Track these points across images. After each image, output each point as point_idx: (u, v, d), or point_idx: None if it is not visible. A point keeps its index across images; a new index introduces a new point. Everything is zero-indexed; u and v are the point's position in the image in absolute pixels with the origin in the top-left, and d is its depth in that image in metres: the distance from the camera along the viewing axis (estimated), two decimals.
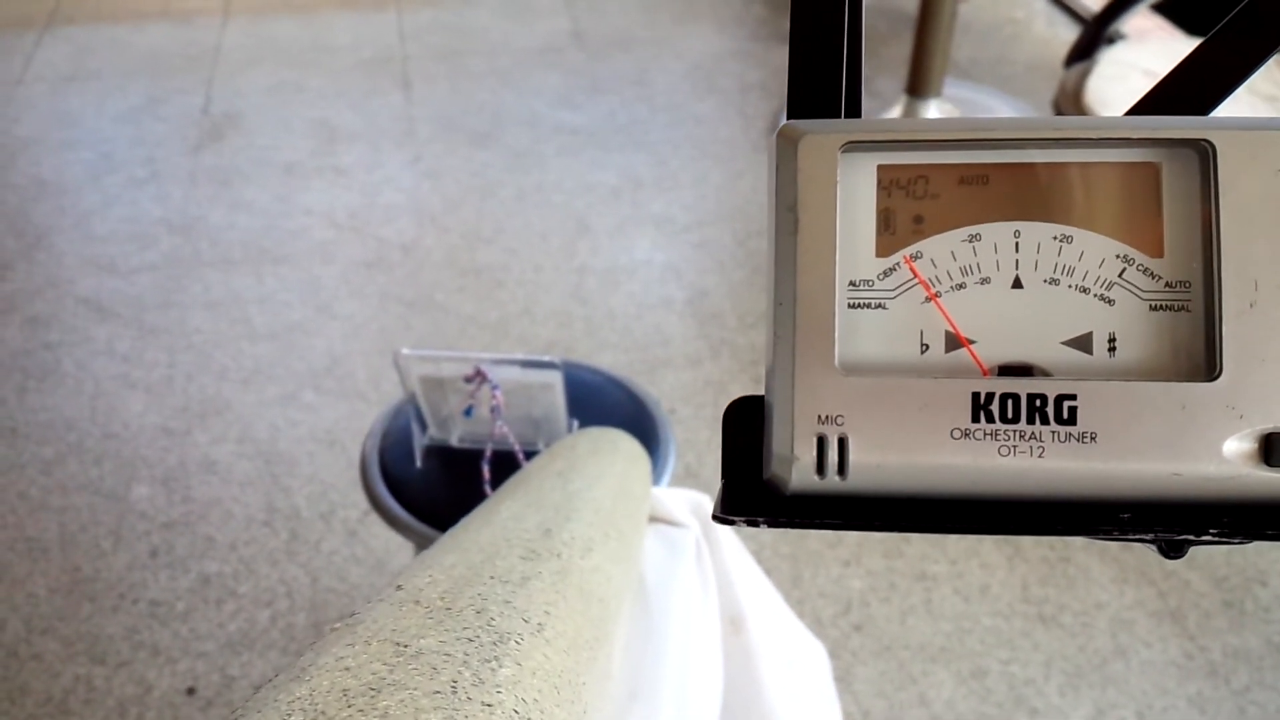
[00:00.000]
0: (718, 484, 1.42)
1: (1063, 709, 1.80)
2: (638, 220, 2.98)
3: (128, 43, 4.03)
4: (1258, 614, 1.93)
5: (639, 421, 1.48)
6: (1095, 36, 2.60)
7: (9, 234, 2.96)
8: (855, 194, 0.39)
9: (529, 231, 2.94)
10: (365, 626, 0.57)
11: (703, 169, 3.22)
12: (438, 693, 0.51)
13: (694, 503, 1.07)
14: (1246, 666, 1.85)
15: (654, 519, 1.01)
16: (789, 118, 0.40)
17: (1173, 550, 0.37)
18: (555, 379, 1.37)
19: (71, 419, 2.35)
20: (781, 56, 3.80)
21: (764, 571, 1.17)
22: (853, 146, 0.39)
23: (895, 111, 3.35)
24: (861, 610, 1.94)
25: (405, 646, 0.55)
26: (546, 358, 1.37)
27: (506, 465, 1.38)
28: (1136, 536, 0.36)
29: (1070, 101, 2.39)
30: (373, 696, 0.50)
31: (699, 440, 2.26)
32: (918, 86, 3.30)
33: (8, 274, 2.80)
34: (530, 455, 1.38)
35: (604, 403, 1.52)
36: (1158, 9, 3.68)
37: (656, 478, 1.39)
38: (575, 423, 1.43)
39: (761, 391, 0.40)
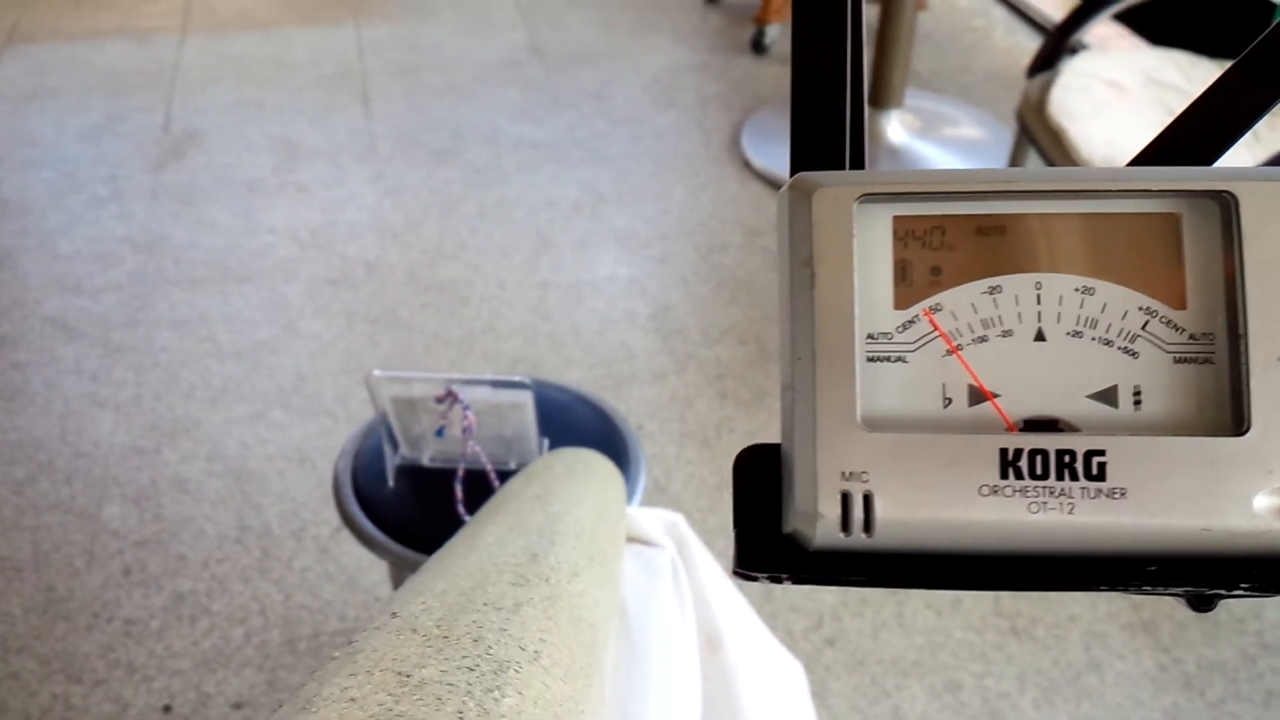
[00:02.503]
0: (687, 500, 1.46)
1: None
2: (600, 235, 3.01)
3: (87, 61, 4.03)
4: (1232, 625, 1.96)
5: (609, 439, 1.50)
6: (1058, 47, 2.63)
7: None
8: (871, 246, 0.39)
9: (491, 247, 2.96)
10: (366, 656, 0.57)
11: (664, 183, 3.24)
12: None
13: (668, 522, 1.08)
14: (1221, 678, 1.87)
15: (630, 539, 1.01)
16: (793, 169, 0.40)
17: (1202, 604, 0.37)
18: (526, 399, 1.39)
19: (41, 438, 2.36)
20: (739, 68, 3.84)
21: (737, 586, 1.19)
22: (868, 198, 0.38)
23: None
24: (834, 624, 1.97)
25: (408, 676, 0.55)
26: (517, 377, 1.38)
27: (479, 485, 1.40)
28: (1167, 591, 0.36)
29: (1034, 112, 2.42)
30: None
31: (667, 455, 2.28)
32: (879, 97, 3.34)
33: None
34: (502, 474, 1.40)
35: (574, 421, 1.54)
36: (1119, 18, 3.73)
37: (628, 496, 1.40)
38: (546, 441, 1.45)
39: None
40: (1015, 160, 2.68)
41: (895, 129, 3.38)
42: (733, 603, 1.14)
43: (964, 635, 1.95)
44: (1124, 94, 2.37)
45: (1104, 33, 3.71)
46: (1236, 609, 1.98)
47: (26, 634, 1.96)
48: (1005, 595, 1.99)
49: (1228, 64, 0.41)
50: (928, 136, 3.44)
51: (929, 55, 4.00)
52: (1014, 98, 2.66)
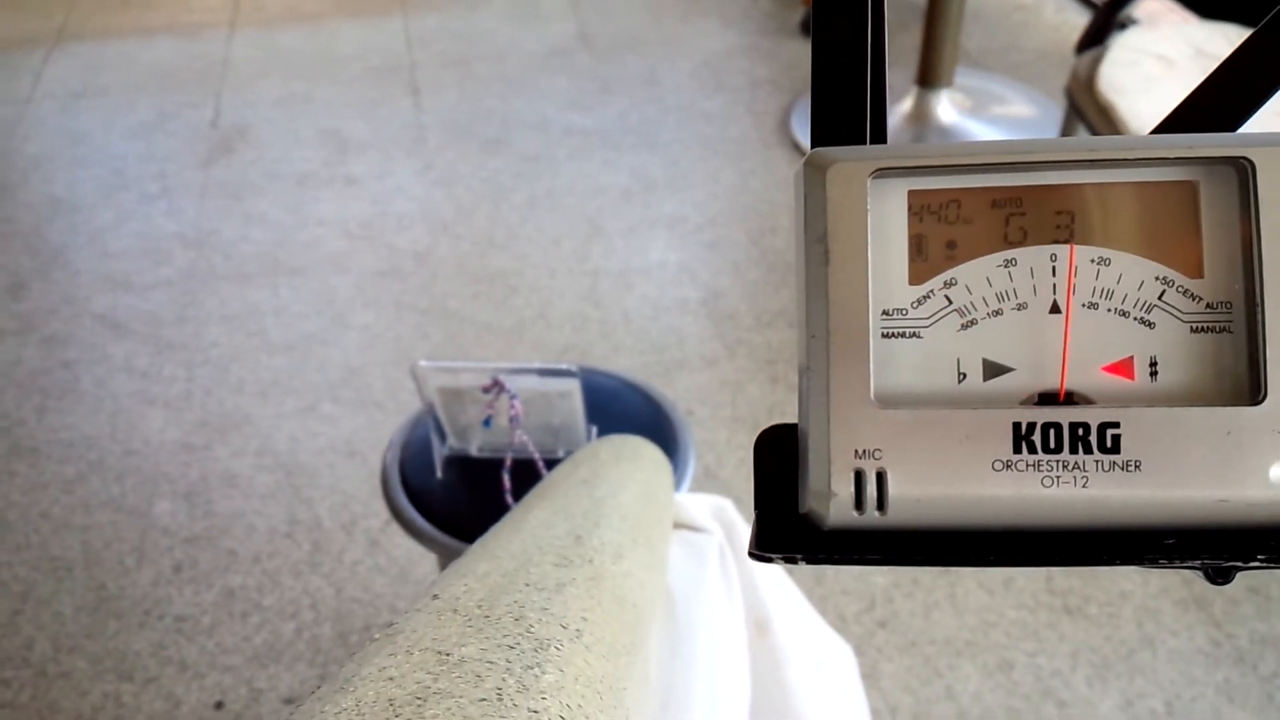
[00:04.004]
0: (738, 485, 1.43)
1: (1090, 700, 1.80)
2: (650, 221, 2.99)
3: (135, 58, 4.04)
4: None
5: (657, 426, 1.49)
6: (1106, 22, 2.60)
7: (24, 253, 2.97)
8: (886, 221, 0.38)
9: (541, 236, 2.95)
10: (405, 636, 0.57)
11: (714, 168, 3.22)
12: (483, 700, 0.51)
13: (716, 507, 1.07)
14: (1274, 653, 1.85)
15: (677, 525, 1.01)
16: (813, 146, 0.40)
17: (1219, 576, 0.36)
18: (573, 387, 1.37)
19: (92, 437, 2.36)
20: (789, 51, 3.82)
21: (786, 571, 1.17)
22: (883, 173, 0.38)
23: (907, 103, 3.36)
24: (885, 606, 1.94)
25: (447, 655, 0.55)
26: (564, 366, 1.37)
27: (526, 474, 1.39)
28: (1183, 564, 0.36)
29: (1083, 89, 2.39)
30: (419, 706, 0.50)
31: (718, 441, 2.26)
32: (928, 77, 3.30)
33: (24, 293, 2.81)
34: (550, 463, 1.38)
35: (622, 408, 1.52)
36: None
37: (677, 483, 1.39)
38: (594, 429, 1.44)
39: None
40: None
41: (945, 108, 3.34)
42: (782, 587, 1.14)
43: (1016, 614, 1.92)
44: (1173, 68, 2.33)
45: (1153, 7, 3.66)
46: None
47: (78, 633, 1.96)
48: (1058, 573, 1.98)
49: (1218, 65, 0.39)
50: (978, 115, 3.40)
51: (978, 34, 3.96)
52: (1064, 75, 2.62)
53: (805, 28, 3.99)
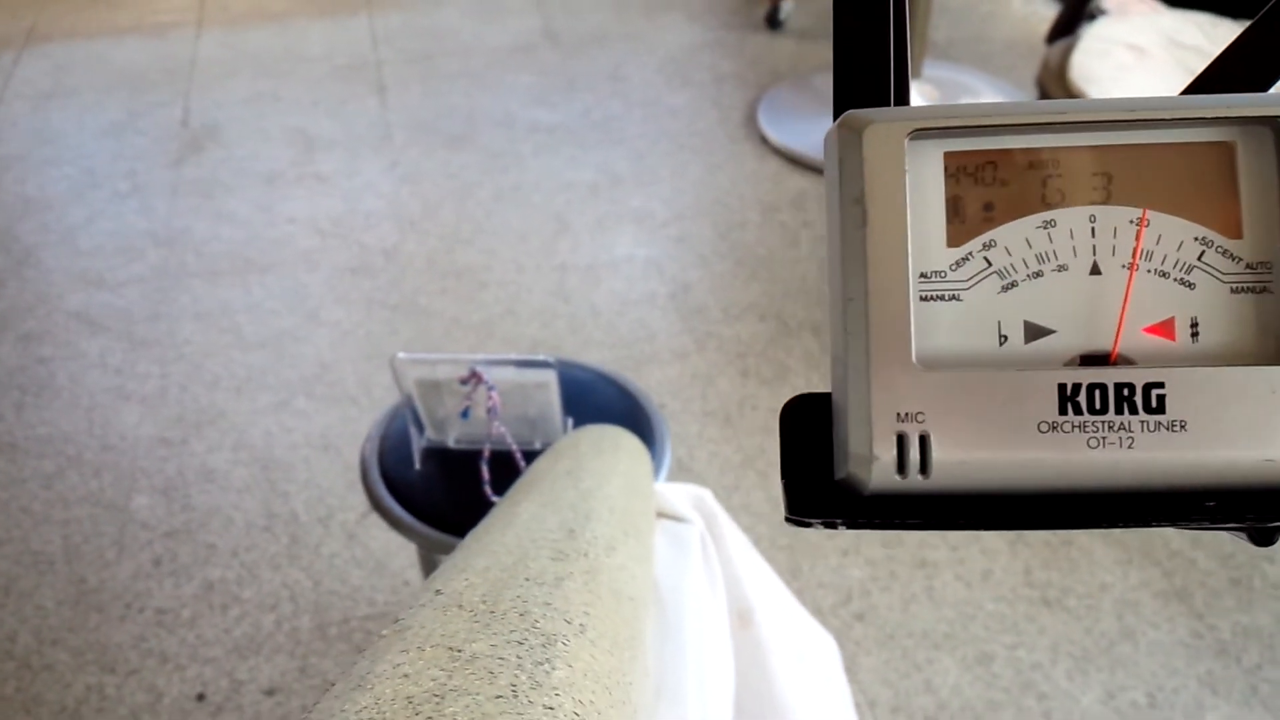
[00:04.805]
0: (711, 478, 1.45)
1: (1071, 692, 1.82)
2: (617, 216, 3.01)
3: (105, 58, 4.04)
4: (1266, 591, 1.95)
5: (633, 417, 1.51)
6: (1077, 12, 2.62)
7: None
8: (923, 183, 0.38)
9: (508, 232, 2.97)
10: (415, 632, 0.58)
11: (680, 162, 3.25)
12: (500, 697, 0.52)
13: (695, 497, 1.07)
14: (1257, 644, 1.87)
15: (658, 515, 1.02)
16: (837, 108, 0.39)
17: (1263, 538, 0.36)
18: (550, 378, 1.39)
19: (69, 433, 2.38)
20: (754, 45, 3.84)
21: (766, 561, 1.19)
22: (919, 134, 0.38)
23: None
24: (863, 599, 1.97)
25: (459, 651, 0.55)
26: (541, 357, 1.39)
27: (504, 465, 1.41)
28: (1227, 525, 0.36)
29: (1054, 79, 2.41)
30: (438, 703, 0.51)
31: (689, 434, 2.29)
32: None
33: None
34: (528, 455, 1.41)
35: (597, 400, 1.55)
36: None
37: (655, 473, 1.41)
38: (570, 421, 1.46)
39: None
40: None
41: (914, 100, 3.34)
42: (763, 577, 1.14)
43: (995, 607, 1.95)
44: (1145, 57, 2.36)
45: None
46: (1271, 574, 1.97)
47: (59, 626, 1.98)
48: (1036, 564, 2.00)
49: (1249, 24, 0.39)
50: None
51: (946, 25, 3.99)
52: (1032, 66, 2.65)
53: (771, 22, 4.02)
